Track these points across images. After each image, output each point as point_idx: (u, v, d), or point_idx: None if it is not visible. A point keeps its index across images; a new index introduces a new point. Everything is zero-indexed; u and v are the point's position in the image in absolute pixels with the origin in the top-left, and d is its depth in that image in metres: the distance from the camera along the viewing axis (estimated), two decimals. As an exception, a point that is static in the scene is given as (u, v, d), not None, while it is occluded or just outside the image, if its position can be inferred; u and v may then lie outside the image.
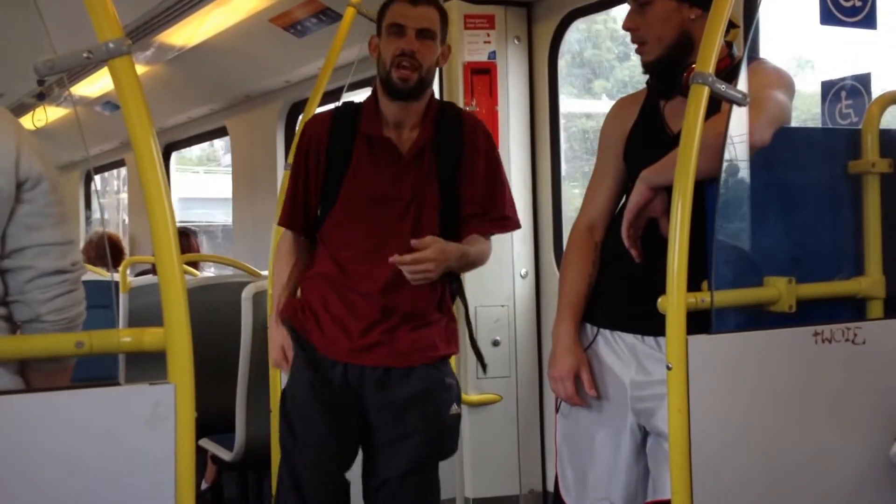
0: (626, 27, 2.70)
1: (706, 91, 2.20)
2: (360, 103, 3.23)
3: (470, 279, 4.27)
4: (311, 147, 3.17)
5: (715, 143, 2.31)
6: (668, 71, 2.68)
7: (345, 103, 3.27)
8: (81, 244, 7.83)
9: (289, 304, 3.24)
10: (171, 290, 1.73)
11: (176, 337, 1.75)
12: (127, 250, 8.66)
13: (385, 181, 3.09)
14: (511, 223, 3.30)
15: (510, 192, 3.29)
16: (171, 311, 1.73)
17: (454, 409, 3.17)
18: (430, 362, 3.12)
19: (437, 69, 3.16)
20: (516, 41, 4.42)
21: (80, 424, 1.73)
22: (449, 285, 3.21)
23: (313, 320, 3.13)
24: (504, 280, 4.39)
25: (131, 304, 5.08)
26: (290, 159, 3.37)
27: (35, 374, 2.49)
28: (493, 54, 4.37)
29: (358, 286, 3.08)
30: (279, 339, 3.22)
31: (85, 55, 1.73)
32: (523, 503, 4.40)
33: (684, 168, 2.18)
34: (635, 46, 2.73)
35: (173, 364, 1.76)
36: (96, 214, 10.48)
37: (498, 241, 4.31)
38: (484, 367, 3.40)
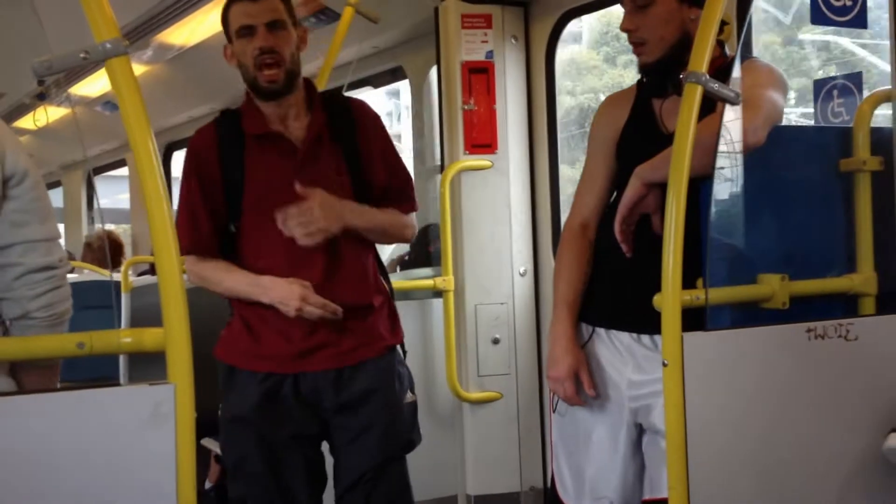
0: (624, 28, 2.68)
1: (699, 90, 2.23)
2: (238, 108, 3.10)
3: (469, 277, 4.30)
4: (202, 162, 3.02)
5: (709, 142, 2.33)
6: (664, 70, 2.69)
7: (224, 110, 3.13)
8: (83, 244, 7.87)
9: (222, 340, 3.11)
10: (171, 291, 1.74)
11: (175, 337, 1.76)
12: (130, 250, 8.68)
13: (286, 177, 2.93)
14: (413, 201, 3.20)
15: (406, 167, 3.19)
16: (170, 311, 1.75)
17: (409, 396, 3.11)
18: (377, 355, 3.04)
19: (300, 55, 3.03)
20: (513, 40, 4.44)
21: (81, 425, 1.75)
22: (376, 265, 3.12)
23: (250, 339, 3.01)
24: (503, 278, 4.40)
25: (133, 304, 5.10)
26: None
27: (26, 375, 2.49)
28: (490, 53, 4.38)
29: None
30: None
31: (82, 55, 1.74)
32: (524, 500, 4.41)
33: (678, 166, 2.21)
34: (632, 47, 2.72)
35: (173, 364, 1.78)
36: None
37: (497, 239, 4.37)
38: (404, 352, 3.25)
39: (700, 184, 2.39)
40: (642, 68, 2.74)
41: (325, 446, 3.12)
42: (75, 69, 2.06)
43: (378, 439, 3.02)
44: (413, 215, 3.19)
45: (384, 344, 3.07)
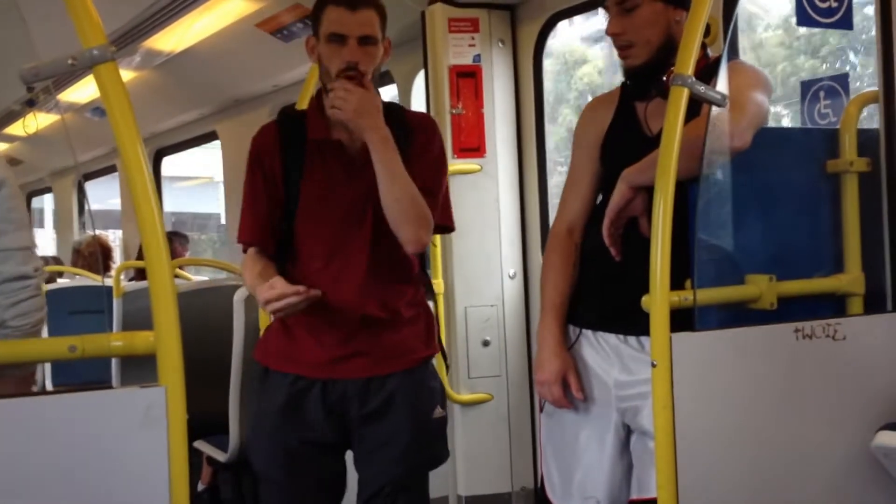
0: (610, 32, 2.67)
1: (686, 93, 2.24)
2: (302, 110, 3.10)
3: (459, 280, 4.32)
4: (264, 160, 3.01)
5: (694, 145, 2.34)
6: (650, 74, 2.69)
7: (286, 110, 3.14)
8: (72, 250, 7.86)
9: (260, 342, 3.13)
10: (161, 294, 1.75)
11: (166, 340, 1.76)
12: (122, 256, 8.68)
13: (340, 185, 2.96)
14: (448, 220, 3.13)
15: (447, 189, 3.10)
16: (160, 314, 1.75)
17: (438, 411, 3.07)
18: (410, 366, 3.01)
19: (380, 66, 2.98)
20: (500, 44, 4.45)
21: (72, 428, 1.75)
22: (422, 281, 3.12)
23: (286, 341, 3.01)
24: (493, 281, 4.41)
25: (125, 308, 5.10)
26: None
27: (1, 382, 2.47)
28: (477, 57, 4.39)
29: (329, 298, 2.91)
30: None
31: (69, 62, 1.74)
32: (515, 500, 4.42)
33: (665, 169, 2.22)
34: (618, 51, 2.72)
35: (164, 367, 1.78)
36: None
37: (487, 242, 4.38)
38: (447, 366, 3.26)
39: (687, 186, 2.41)
40: (628, 72, 2.73)
41: (350, 456, 3.11)
42: (64, 75, 2.06)
43: (401, 451, 2.99)
44: (430, 229, 3.07)
45: (416, 356, 3.05)
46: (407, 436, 2.98)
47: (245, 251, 3.09)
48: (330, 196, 2.98)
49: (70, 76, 6.34)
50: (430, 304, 4.21)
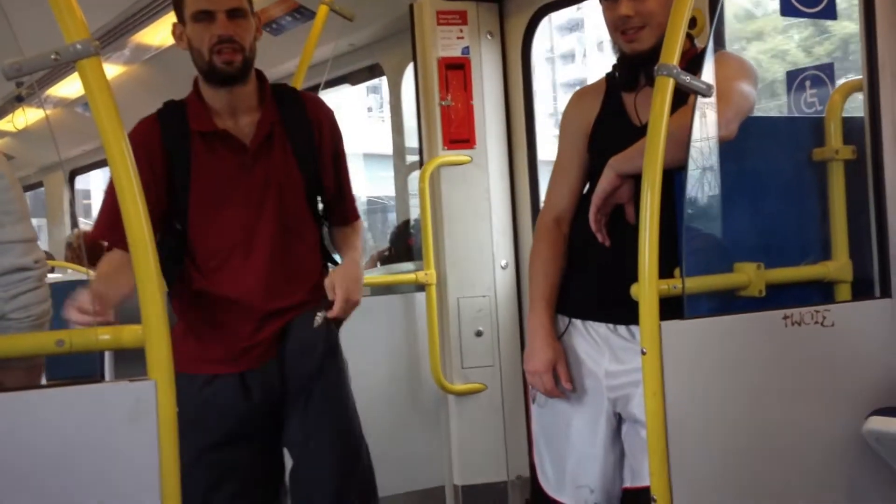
0: (622, 14, 2.61)
1: (671, 83, 2.25)
2: (183, 100, 2.95)
3: (451, 271, 4.33)
4: (143, 156, 2.60)
5: (680, 135, 2.35)
6: (638, 63, 2.69)
7: (166, 103, 2.99)
8: (65, 244, 7.86)
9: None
10: (148, 288, 1.75)
11: (154, 334, 1.76)
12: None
13: (234, 176, 2.86)
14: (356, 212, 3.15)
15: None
16: (148, 308, 1.75)
17: (318, 319, 2.87)
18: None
19: (255, 43, 2.89)
20: (489, 36, 4.45)
21: (61, 423, 1.75)
22: (321, 265, 3.04)
23: (195, 340, 2.92)
24: (485, 271, 4.42)
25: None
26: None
27: (8, 373, 2.46)
28: (466, 49, 4.39)
29: (232, 295, 2.87)
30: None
31: (52, 57, 1.74)
32: (511, 489, 4.44)
33: (652, 158, 2.23)
34: (626, 35, 2.65)
35: (152, 360, 1.78)
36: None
37: (478, 233, 4.39)
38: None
39: (674, 175, 2.43)
40: (634, 57, 2.69)
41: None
42: (52, 71, 2.07)
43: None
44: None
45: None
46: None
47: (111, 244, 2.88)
48: (224, 189, 2.87)
49: (59, 71, 6.33)
50: (419, 294, 4.26)
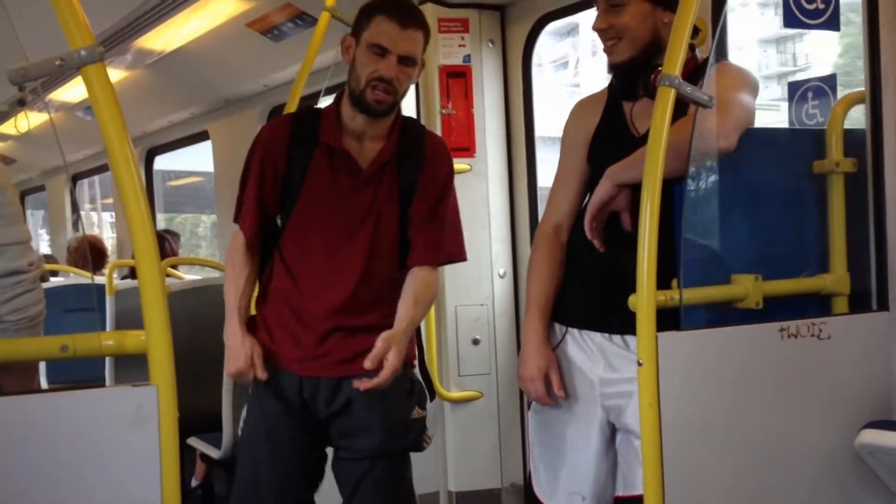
0: (598, 27, 2.69)
1: (673, 93, 2.25)
2: (319, 109, 3.06)
3: (450, 279, 4.33)
4: (269, 152, 2.98)
5: (680, 146, 2.36)
6: (633, 73, 2.71)
7: (303, 109, 3.10)
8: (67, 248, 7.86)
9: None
10: (151, 294, 1.76)
11: (156, 339, 1.77)
12: (115, 254, 8.67)
13: (343, 194, 2.95)
14: (454, 251, 3.13)
15: (459, 220, 3.13)
16: (151, 314, 1.76)
17: (416, 412, 3.03)
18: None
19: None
20: (490, 44, 4.46)
21: (63, 428, 1.76)
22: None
23: (266, 334, 3.01)
24: (483, 280, 4.43)
25: (117, 307, 5.10)
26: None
27: (6, 375, 2.47)
28: (467, 58, 4.40)
29: (311, 303, 2.96)
30: (248, 346, 2.94)
31: (57, 63, 1.75)
32: (505, 496, 4.44)
33: (652, 169, 2.23)
34: (604, 47, 2.72)
35: (154, 366, 1.79)
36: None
37: (477, 242, 4.38)
38: (431, 394, 3.21)
39: (673, 185, 2.43)
40: (612, 68, 2.74)
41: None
42: (55, 75, 2.07)
43: (373, 439, 2.97)
44: (437, 271, 3.13)
45: None
46: (380, 431, 2.96)
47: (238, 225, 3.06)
48: (330, 203, 2.97)
49: (62, 76, 6.34)
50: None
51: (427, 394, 3.14)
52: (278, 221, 3.02)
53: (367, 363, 2.78)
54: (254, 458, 3.04)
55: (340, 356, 2.96)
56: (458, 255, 3.15)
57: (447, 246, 3.09)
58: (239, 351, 2.94)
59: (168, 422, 1.77)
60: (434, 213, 3.04)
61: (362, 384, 2.81)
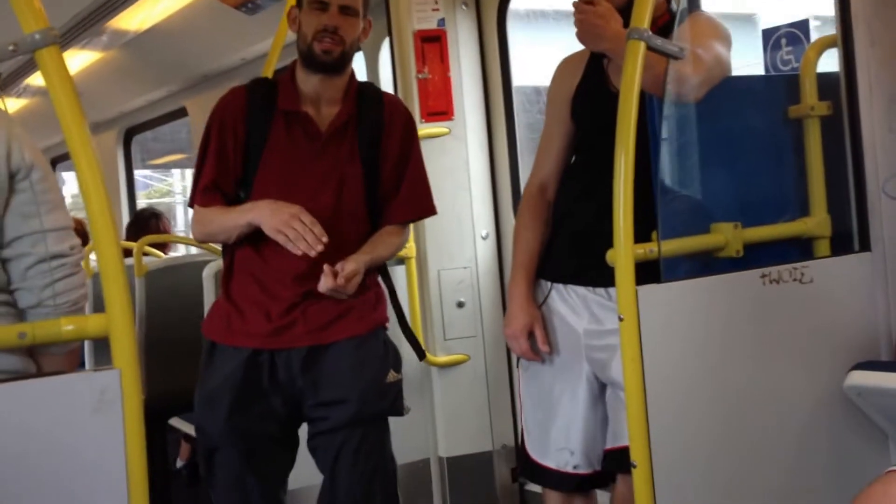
0: None
1: (643, 46, 2.24)
2: (274, 78, 3.16)
3: (431, 243, 4.31)
4: (227, 122, 3.03)
5: (657, 64, 2.37)
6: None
7: (257, 79, 3.18)
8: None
9: (208, 316, 3.14)
10: (111, 277, 1.74)
11: (118, 322, 1.76)
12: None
13: (303, 158, 3.00)
14: (421, 208, 3.20)
15: (425, 178, 3.19)
16: (112, 297, 1.75)
17: (392, 375, 3.05)
18: (353, 334, 3.00)
19: (358, 45, 3.05)
20: (464, 7, 4.42)
21: (26, 416, 1.75)
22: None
23: (235, 312, 3.01)
24: (465, 242, 4.41)
25: (96, 290, 5.08)
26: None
27: (44, 358, 2.51)
28: (442, 21, 4.36)
29: (276, 271, 2.98)
30: None
31: (10, 48, 1.73)
32: (497, 458, 4.44)
33: (625, 123, 2.23)
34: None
35: (117, 349, 1.78)
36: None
37: (457, 203, 4.37)
38: (420, 354, 3.32)
39: (649, 139, 2.42)
40: None
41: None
42: (29, 60, 2.05)
43: (352, 410, 2.96)
44: (409, 227, 3.21)
45: (362, 325, 3.03)
46: (356, 399, 2.96)
47: (201, 204, 3.05)
48: (292, 168, 3.00)
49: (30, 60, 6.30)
50: (399, 268, 4.25)
51: (400, 357, 3.14)
52: (241, 194, 3.03)
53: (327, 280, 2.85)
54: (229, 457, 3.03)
55: (310, 325, 2.96)
56: (429, 210, 3.22)
57: (418, 203, 3.16)
58: None
59: (132, 405, 1.75)
60: (402, 171, 3.10)
61: (323, 284, 2.85)
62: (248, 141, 3.01)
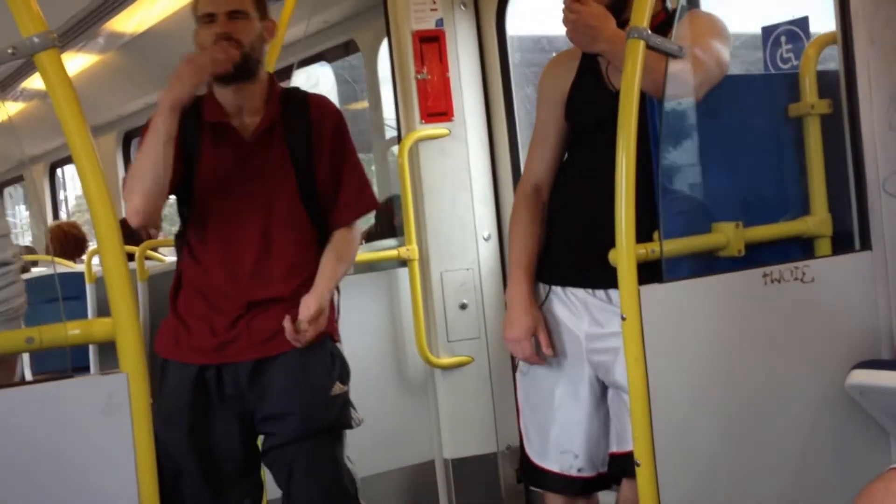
0: None
1: (642, 45, 2.24)
2: (199, 95, 3.04)
3: (434, 245, 4.31)
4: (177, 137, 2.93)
5: (657, 67, 2.36)
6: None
7: None
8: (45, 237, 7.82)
9: (158, 335, 3.09)
10: (117, 281, 1.74)
11: (124, 327, 1.75)
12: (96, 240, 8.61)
13: (231, 168, 2.99)
14: (364, 205, 3.18)
15: (363, 173, 3.17)
16: (117, 301, 1.74)
17: (337, 388, 3.01)
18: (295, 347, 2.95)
19: (263, 46, 3.02)
20: (462, 7, 4.42)
21: (34, 420, 1.75)
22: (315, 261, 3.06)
23: (182, 328, 3.00)
24: (467, 244, 4.41)
25: (99, 295, 5.07)
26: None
27: None
28: (440, 21, 4.36)
29: (218, 284, 2.97)
30: None
31: (9, 51, 1.73)
32: (501, 459, 4.44)
33: (626, 123, 2.23)
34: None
35: (123, 353, 1.77)
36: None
37: (459, 205, 4.36)
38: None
39: (650, 140, 2.42)
40: None
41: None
42: (26, 63, 2.04)
43: (297, 424, 2.95)
44: (357, 225, 3.17)
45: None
46: (300, 412, 2.94)
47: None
48: (221, 179, 3.00)
49: (30, 63, 6.29)
50: (402, 270, 4.24)
51: (348, 369, 3.09)
52: (185, 212, 3.04)
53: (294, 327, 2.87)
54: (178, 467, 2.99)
55: (254, 338, 2.95)
56: (372, 204, 3.21)
57: (361, 200, 3.15)
58: None
59: (140, 409, 1.76)
60: (339, 171, 3.08)
61: (289, 334, 2.86)
62: (184, 155, 2.97)
